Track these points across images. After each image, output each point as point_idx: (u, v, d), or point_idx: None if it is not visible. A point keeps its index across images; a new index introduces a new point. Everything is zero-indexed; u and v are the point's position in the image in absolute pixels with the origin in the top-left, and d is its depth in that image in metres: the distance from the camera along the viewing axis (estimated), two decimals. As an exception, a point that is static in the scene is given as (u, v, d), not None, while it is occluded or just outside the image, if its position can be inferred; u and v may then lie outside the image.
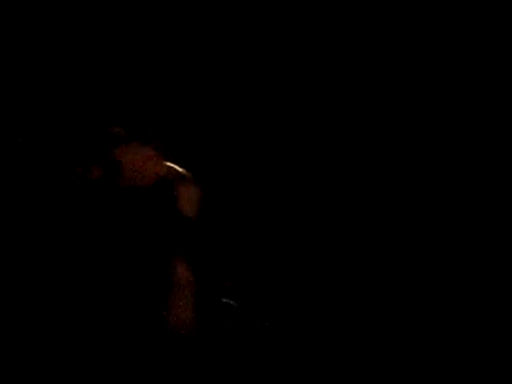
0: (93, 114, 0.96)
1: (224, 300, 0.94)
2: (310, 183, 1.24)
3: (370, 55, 1.34)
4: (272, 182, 1.17)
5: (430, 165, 1.31)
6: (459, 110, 1.33)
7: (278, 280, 1.11)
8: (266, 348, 1.01)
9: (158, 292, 0.84)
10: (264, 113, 1.22)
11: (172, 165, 0.86)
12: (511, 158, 1.32)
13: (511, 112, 1.32)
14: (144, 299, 0.84)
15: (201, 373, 0.88)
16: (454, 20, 1.33)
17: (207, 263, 0.87)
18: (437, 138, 1.32)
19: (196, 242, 0.88)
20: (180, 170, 0.86)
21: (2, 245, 0.88)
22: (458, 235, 1.30)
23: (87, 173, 0.82)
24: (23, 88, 1.08)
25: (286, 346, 1.05)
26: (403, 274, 1.27)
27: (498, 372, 1.26)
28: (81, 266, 0.83)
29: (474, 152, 1.32)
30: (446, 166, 1.32)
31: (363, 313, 1.22)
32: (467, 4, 1.32)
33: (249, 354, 0.97)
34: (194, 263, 0.84)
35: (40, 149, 0.91)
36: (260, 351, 0.99)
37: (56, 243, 0.86)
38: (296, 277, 1.17)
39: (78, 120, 0.92)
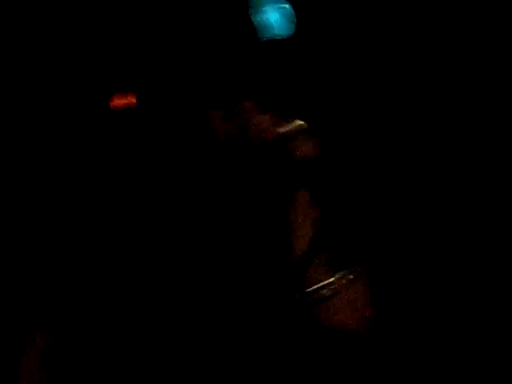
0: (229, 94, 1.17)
1: None
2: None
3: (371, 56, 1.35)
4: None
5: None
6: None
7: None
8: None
9: (286, 220, 1.06)
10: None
11: (292, 121, 1.06)
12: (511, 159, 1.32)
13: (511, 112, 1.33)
14: (274, 227, 1.08)
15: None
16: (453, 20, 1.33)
17: (324, 194, 1.10)
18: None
19: (314, 177, 1.07)
20: (299, 124, 1.07)
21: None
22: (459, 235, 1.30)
23: (225, 132, 1.07)
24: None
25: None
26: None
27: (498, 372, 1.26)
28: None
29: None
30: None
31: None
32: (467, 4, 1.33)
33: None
34: (314, 195, 1.08)
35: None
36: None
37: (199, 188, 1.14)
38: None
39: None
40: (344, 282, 1.01)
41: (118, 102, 1.20)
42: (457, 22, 1.34)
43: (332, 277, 1.02)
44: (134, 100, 1.21)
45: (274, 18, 1.29)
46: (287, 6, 1.29)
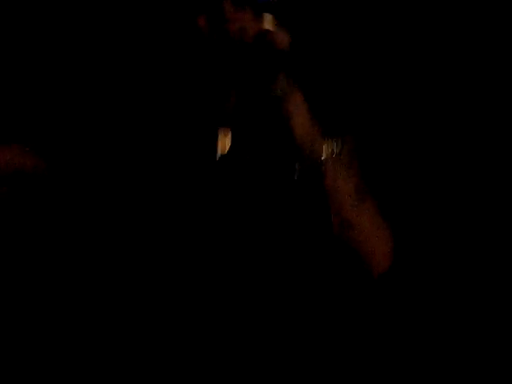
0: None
1: None
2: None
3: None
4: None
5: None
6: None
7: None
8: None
9: (280, 105, 1.23)
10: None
11: (266, 16, 1.23)
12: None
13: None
14: (272, 112, 1.24)
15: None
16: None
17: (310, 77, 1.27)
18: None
19: (291, 62, 1.23)
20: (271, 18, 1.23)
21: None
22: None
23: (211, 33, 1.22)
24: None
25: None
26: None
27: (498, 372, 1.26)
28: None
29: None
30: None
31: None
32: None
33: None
34: (301, 79, 1.24)
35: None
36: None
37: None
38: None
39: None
40: (338, 149, 1.21)
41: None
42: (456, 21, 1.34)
43: (327, 146, 1.21)
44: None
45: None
46: None
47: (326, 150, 1.21)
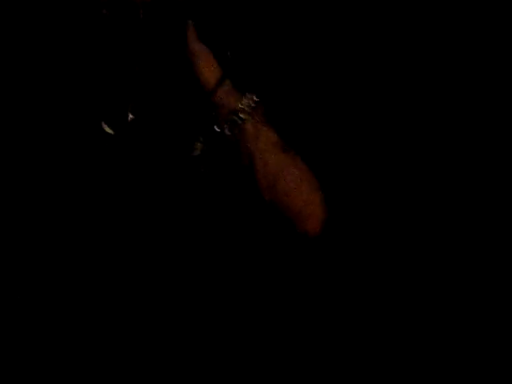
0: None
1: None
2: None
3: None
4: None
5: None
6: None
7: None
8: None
9: (184, 61, 1.17)
10: None
11: None
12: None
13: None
14: (179, 70, 1.20)
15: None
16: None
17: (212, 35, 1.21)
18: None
19: (199, 13, 1.19)
20: None
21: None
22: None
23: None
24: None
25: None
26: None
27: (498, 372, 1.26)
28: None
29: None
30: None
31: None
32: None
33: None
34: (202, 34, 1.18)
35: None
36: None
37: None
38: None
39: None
40: (253, 105, 1.17)
41: None
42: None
43: (242, 101, 1.17)
44: None
45: None
46: None
47: (242, 106, 1.17)
